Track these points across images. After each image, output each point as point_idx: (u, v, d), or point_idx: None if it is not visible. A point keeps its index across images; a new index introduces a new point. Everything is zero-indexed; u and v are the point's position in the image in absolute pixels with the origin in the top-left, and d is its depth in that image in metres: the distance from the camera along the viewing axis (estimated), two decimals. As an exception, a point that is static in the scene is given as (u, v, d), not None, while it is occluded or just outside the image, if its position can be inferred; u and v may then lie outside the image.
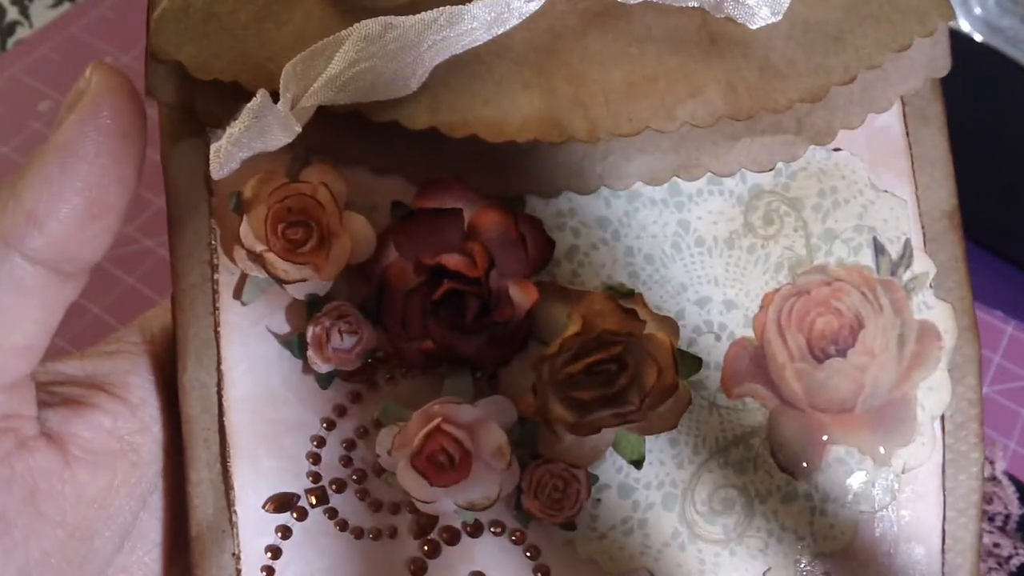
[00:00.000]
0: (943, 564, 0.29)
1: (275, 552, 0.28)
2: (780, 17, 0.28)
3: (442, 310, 0.26)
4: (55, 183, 0.25)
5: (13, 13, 0.69)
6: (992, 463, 0.52)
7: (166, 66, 0.27)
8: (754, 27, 0.28)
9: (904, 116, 0.30)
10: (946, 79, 0.29)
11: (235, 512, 0.28)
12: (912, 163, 0.30)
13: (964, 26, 0.61)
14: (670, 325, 0.27)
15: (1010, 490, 0.51)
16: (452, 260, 0.26)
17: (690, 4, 0.28)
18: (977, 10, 0.62)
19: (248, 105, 0.25)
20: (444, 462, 0.26)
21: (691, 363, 0.28)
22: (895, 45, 0.28)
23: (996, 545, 0.48)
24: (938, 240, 0.29)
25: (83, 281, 0.27)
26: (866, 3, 0.28)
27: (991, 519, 0.50)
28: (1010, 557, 0.48)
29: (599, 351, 0.26)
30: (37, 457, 0.27)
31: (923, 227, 0.29)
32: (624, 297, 0.27)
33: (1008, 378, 0.57)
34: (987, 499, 0.50)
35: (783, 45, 0.28)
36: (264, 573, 0.28)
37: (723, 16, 0.28)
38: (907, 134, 0.30)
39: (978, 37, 0.61)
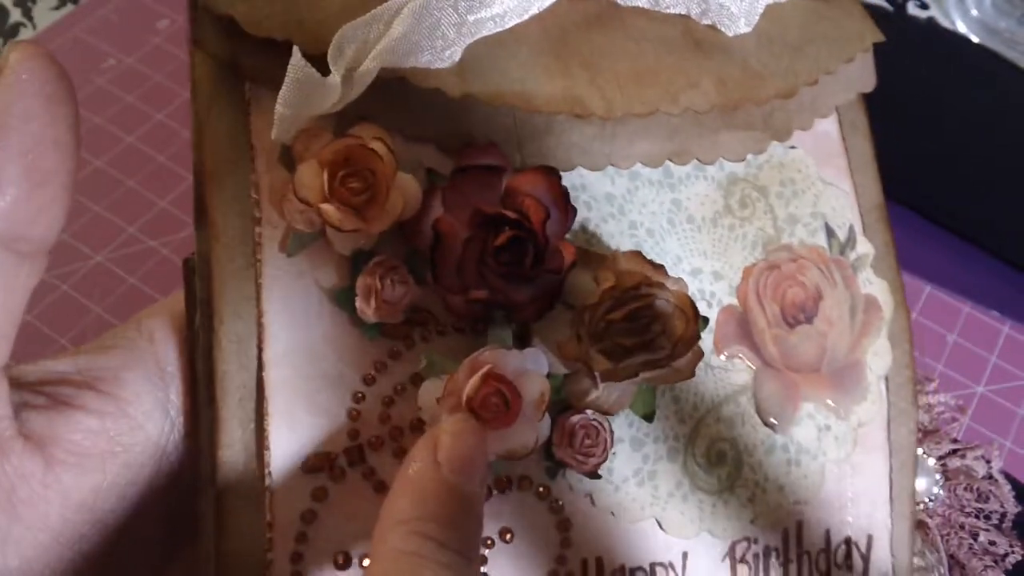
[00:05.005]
0: (891, 510, 0.33)
1: (309, 517, 0.27)
2: (752, 28, 0.32)
3: (503, 256, 0.27)
4: None
5: (16, 15, 0.67)
6: (989, 462, 0.51)
7: (214, 18, 0.27)
8: (731, 35, 0.32)
9: (840, 124, 0.35)
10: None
11: (269, 475, 0.27)
12: (849, 163, 0.35)
13: (961, 27, 0.62)
14: (683, 284, 0.30)
15: (1006, 489, 0.51)
16: (512, 210, 0.27)
17: (678, 11, 0.32)
18: (974, 12, 0.63)
19: (297, 67, 0.25)
20: (499, 404, 0.26)
21: (701, 321, 0.30)
22: (844, 56, 0.33)
23: (992, 543, 0.49)
24: (872, 228, 0.34)
25: (42, 263, 0.26)
26: (816, 23, 0.34)
27: (987, 517, 0.50)
28: (1006, 555, 0.49)
29: (637, 301, 0.28)
30: (13, 460, 0.25)
31: (861, 216, 0.34)
32: (638, 263, 0.30)
33: (1005, 378, 0.56)
34: (984, 497, 0.50)
35: (756, 51, 0.32)
36: (296, 542, 0.27)
37: (709, 23, 0.32)
38: (843, 139, 0.35)
39: (975, 38, 0.62)
